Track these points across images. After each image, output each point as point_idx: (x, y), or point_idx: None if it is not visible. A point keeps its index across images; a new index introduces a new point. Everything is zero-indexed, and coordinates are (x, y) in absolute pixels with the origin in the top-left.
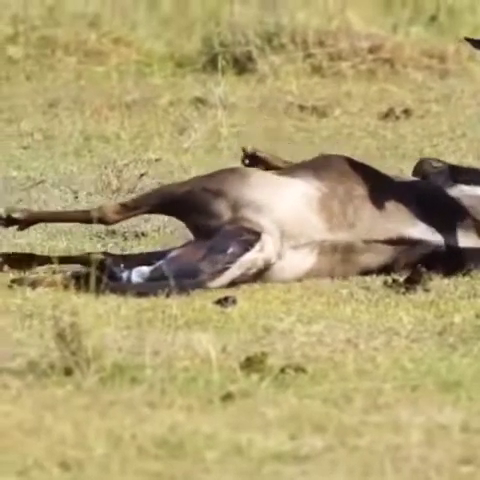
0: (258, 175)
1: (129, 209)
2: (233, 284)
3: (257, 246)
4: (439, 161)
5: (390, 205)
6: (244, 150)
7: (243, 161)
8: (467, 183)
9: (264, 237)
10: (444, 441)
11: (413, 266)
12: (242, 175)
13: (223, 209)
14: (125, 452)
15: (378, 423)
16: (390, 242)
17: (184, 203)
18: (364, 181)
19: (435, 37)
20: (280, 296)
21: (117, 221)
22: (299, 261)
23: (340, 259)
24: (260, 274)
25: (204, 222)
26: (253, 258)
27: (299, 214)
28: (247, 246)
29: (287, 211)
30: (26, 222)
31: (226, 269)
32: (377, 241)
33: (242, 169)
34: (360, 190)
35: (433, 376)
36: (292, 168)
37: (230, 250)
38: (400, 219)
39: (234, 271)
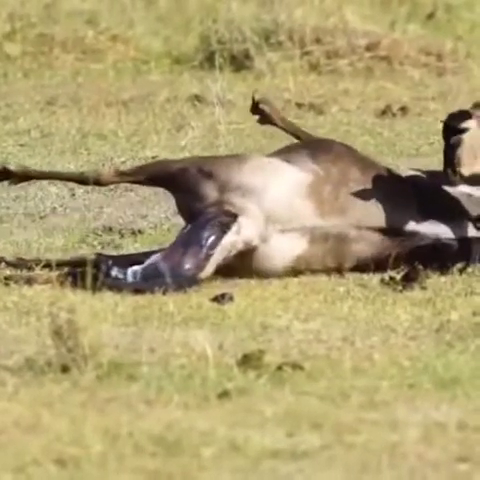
0: (254, 161)
1: (124, 175)
2: (219, 269)
3: (233, 228)
4: None
5: (384, 194)
6: (253, 97)
7: (251, 109)
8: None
9: (240, 219)
10: (441, 439)
11: (407, 259)
12: (239, 160)
13: (210, 191)
14: (122, 449)
15: (375, 420)
16: (383, 231)
17: (176, 179)
18: (359, 167)
19: (432, 35)
20: (277, 293)
21: (111, 183)
22: (288, 246)
23: (332, 248)
24: (245, 256)
25: (190, 202)
26: (232, 240)
27: (288, 199)
28: (224, 229)
29: (275, 196)
30: (20, 176)
31: (209, 256)
32: (369, 228)
33: (242, 155)
34: (354, 175)
35: (430, 374)
36: (288, 150)
37: (208, 237)
38: (394, 209)
39: (217, 257)
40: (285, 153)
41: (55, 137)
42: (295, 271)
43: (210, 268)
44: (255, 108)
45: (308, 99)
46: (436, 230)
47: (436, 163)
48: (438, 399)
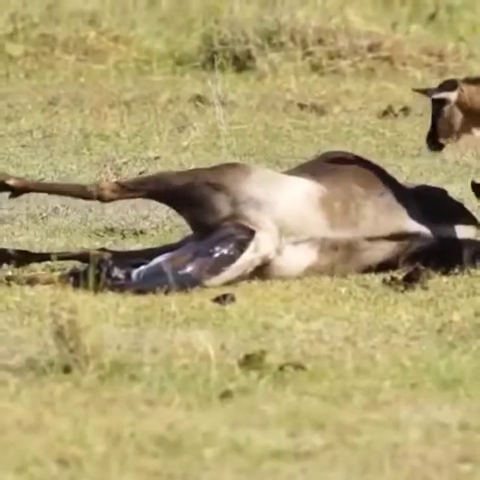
0: (260, 172)
1: (126, 190)
2: (232, 283)
3: (251, 246)
4: None
5: (392, 200)
6: None
7: None
8: None
9: (258, 235)
10: (443, 439)
11: (413, 260)
12: (244, 171)
13: (222, 204)
14: (124, 449)
15: (377, 421)
16: (392, 238)
17: (183, 195)
18: (365, 179)
19: (434, 35)
20: (279, 294)
21: (112, 200)
22: (299, 257)
23: (341, 256)
24: (259, 270)
25: (202, 216)
26: (249, 259)
27: (299, 211)
28: (241, 248)
29: (287, 208)
30: (19, 190)
31: (220, 271)
32: (380, 238)
33: (244, 165)
34: (361, 189)
35: (432, 374)
36: (292, 170)
37: (222, 252)
38: (401, 213)
39: (230, 273)
40: (290, 171)
41: (57, 138)
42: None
43: (216, 282)
44: None
45: (310, 100)
46: (441, 230)
47: (438, 164)
48: (440, 399)
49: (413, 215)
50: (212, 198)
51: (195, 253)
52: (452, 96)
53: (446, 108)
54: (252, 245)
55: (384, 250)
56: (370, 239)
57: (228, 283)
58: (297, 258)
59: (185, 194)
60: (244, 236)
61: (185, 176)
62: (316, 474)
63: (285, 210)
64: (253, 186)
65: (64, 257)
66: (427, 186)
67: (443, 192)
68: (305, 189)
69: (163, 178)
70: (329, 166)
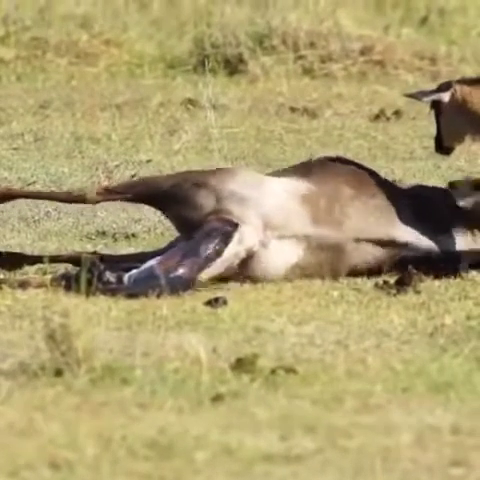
0: (245, 173)
1: (112, 193)
2: (221, 278)
3: (235, 238)
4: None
5: (381, 205)
6: None
7: None
8: None
9: (242, 228)
10: (435, 443)
11: (404, 268)
12: (229, 171)
13: (206, 201)
14: (115, 453)
15: (369, 424)
16: (381, 243)
17: (169, 195)
18: (357, 180)
19: (426, 39)
20: (271, 297)
21: (98, 202)
22: (286, 253)
23: (328, 257)
24: (246, 264)
25: (187, 214)
26: (234, 252)
27: (283, 206)
28: (226, 240)
29: (271, 203)
30: (4, 196)
31: (207, 266)
32: (368, 240)
33: (231, 167)
34: (351, 190)
35: (424, 377)
36: (283, 169)
37: (208, 248)
38: (391, 220)
39: (216, 266)
40: (275, 173)
41: (49, 141)
42: (295, 277)
43: (205, 276)
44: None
45: (302, 103)
46: (434, 241)
47: (430, 166)
48: (432, 403)
49: (405, 221)
50: (197, 195)
51: (184, 255)
52: (444, 97)
53: (443, 110)
54: (236, 237)
55: (372, 254)
56: (357, 240)
57: (216, 278)
58: (284, 254)
59: (171, 195)
60: (228, 228)
61: (171, 178)
62: (307, 477)
63: (269, 205)
64: (237, 183)
65: (56, 260)
66: (424, 186)
67: (441, 193)
68: (290, 186)
69: (149, 181)
70: (321, 167)
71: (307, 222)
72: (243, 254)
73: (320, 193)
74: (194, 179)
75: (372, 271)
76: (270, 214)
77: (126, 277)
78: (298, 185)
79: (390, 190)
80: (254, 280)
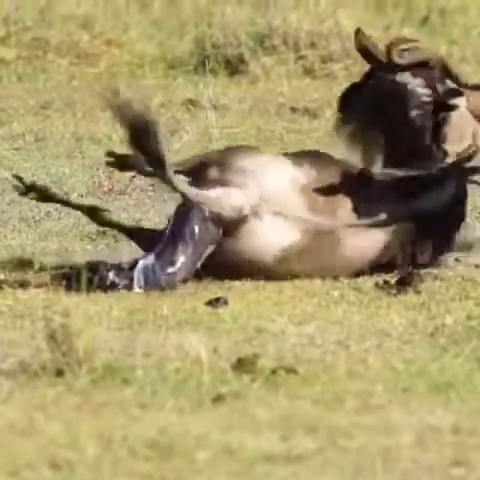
0: (252, 152)
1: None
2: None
3: (219, 188)
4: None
5: (368, 192)
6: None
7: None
8: None
9: (231, 188)
10: (435, 443)
11: (403, 248)
12: (246, 150)
13: (210, 172)
14: (116, 453)
15: (369, 425)
16: (373, 226)
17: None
18: (340, 174)
19: (427, 39)
20: (272, 297)
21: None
22: (281, 230)
23: (325, 244)
24: (238, 227)
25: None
26: (216, 196)
27: (282, 187)
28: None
29: (272, 181)
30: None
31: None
32: (360, 226)
33: (249, 147)
34: (343, 180)
35: (424, 378)
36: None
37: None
38: (381, 204)
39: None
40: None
41: (49, 141)
42: (287, 265)
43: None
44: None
45: (302, 103)
46: (417, 204)
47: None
48: (432, 403)
49: (391, 206)
50: (207, 169)
51: (174, 242)
52: (461, 102)
53: (455, 114)
54: (221, 188)
55: (371, 239)
56: (352, 227)
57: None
58: (277, 231)
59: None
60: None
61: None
62: (308, 478)
63: (271, 183)
64: (243, 160)
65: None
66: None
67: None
68: (293, 172)
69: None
70: (319, 157)
71: (304, 207)
72: (228, 208)
73: (315, 183)
74: (212, 157)
75: (369, 261)
76: (268, 190)
77: (135, 276)
78: (298, 171)
79: (369, 175)
80: (245, 256)
